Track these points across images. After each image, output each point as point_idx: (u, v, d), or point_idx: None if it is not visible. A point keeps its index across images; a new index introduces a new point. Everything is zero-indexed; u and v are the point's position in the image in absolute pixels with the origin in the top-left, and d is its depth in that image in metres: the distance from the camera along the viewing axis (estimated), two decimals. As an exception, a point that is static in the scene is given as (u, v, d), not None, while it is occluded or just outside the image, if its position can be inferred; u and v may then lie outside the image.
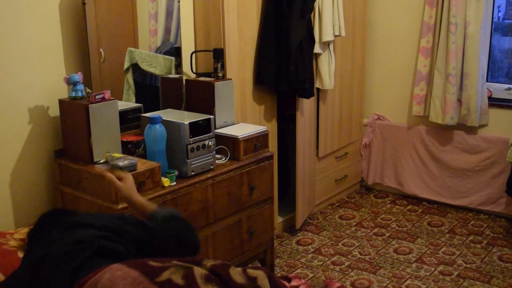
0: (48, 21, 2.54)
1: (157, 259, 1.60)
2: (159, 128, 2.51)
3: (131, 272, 1.49)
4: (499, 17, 4.06)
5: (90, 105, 2.37)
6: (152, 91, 3.05)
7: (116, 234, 1.71)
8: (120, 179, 2.05)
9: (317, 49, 3.55)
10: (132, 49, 2.91)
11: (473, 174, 4.03)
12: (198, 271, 1.53)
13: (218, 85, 2.90)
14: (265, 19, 3.24)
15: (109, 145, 2.46)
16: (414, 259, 3.41)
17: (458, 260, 3.39)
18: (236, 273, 1.57)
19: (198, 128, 2.61)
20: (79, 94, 2.44)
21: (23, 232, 2.25)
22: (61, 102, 2.50)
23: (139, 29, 2.96)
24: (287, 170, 3.83)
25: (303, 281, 1.75)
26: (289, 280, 1.73)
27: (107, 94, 2.44)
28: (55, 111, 2.59)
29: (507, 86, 3.97)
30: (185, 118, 2.64)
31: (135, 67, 2.92)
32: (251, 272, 1.59)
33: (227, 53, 3.04)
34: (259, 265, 3.18)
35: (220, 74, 2.94)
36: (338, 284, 1.81)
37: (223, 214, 2.76)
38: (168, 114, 2.73)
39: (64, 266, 1.55)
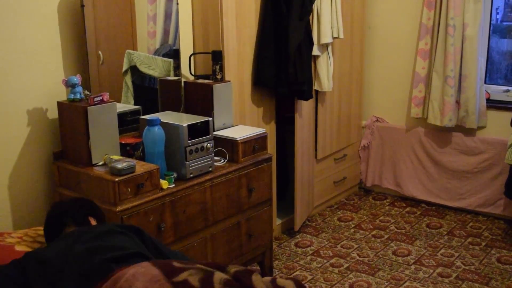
0: (46, 24, 2.54)
1: (183, 261, 1.76)
2: (157, 130, 2.51)
3: (152, 270, 1.66)
4: (497, 19, 4.07)
5: (88, 107, 2.37)
6: (151, 93, 3.05)
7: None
8: None
9: (315, 51, 3.55)
10: (131, 51, 2.91)
11: (472, 176, 4.03)
12: (219, 276, 1.63)
13: (217, 87, 2.90)
14: (264, 21, 3.24)
15: (108, 147, 2.46)
16: (412, 261, 3.41)
17: (456, 262, 3.39)
18: (258, 280, 1.66)
19: (196, 130, 2.61)
20: (78, 96, 2.44)
21: (21, 232, 2.26)
22: (60, 104, 2.50)
23: (138, 31, 2.96)
24: (286, 172, 3.83)
25: None
26: None
27: (106, 96, 2.44)
28: (53, 113, 2.59)
29: (505, 88, 3.97)
30: (183, 120, 2.64)
31: (133, 69, 2.92)
32: (280, 281, 1.69)
33: (225, 55, 3.04)
34: (258, 267, 3.17)
35: (218, 76, 2.95)
36: None
37: (221, 216, 2.76)
38: (167, 116, 2.73)
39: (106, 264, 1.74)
